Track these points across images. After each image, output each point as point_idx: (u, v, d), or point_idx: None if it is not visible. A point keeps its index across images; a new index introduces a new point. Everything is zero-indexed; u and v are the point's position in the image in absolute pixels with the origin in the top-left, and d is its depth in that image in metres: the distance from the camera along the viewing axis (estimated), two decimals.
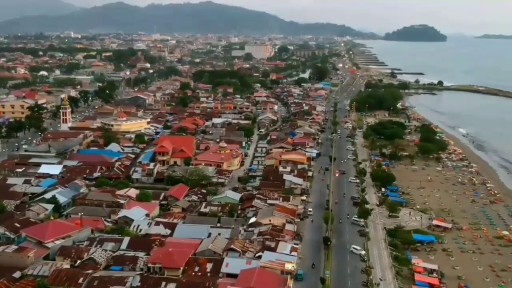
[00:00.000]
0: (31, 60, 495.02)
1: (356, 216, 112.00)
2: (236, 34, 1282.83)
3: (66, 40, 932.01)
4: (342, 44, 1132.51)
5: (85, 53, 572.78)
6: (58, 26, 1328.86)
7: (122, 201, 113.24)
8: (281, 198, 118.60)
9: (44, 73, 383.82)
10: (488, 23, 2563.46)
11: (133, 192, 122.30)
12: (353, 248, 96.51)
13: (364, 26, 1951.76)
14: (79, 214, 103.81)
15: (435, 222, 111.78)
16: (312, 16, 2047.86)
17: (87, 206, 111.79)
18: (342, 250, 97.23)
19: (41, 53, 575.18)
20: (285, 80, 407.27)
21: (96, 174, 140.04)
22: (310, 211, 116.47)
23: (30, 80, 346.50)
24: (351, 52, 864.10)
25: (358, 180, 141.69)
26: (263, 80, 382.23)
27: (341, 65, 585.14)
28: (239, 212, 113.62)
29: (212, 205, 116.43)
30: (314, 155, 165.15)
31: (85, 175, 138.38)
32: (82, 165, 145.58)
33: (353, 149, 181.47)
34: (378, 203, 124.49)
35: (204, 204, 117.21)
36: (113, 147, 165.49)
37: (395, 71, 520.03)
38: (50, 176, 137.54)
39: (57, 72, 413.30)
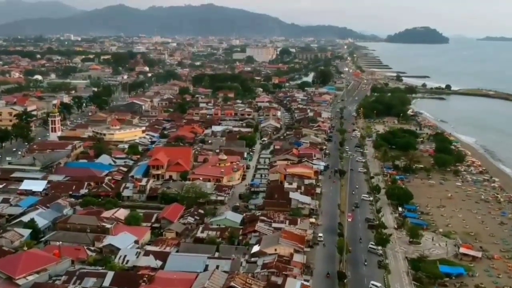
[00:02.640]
0: (28, 64, 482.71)
1: (373, 244, 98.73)
2: (237, 37, 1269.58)
3: (66, 42, 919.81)
4: (345, 47, 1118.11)
5: (83, 56, 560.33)
6: (59, 28, 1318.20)
7: (108, 226, 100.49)
8: (287, 221, 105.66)
9: (39, 77, 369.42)
10: (490, 25, 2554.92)
11: (122, 213, 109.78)
12: (372, 284, 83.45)
13: (365, 28, 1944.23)
14: (58, 243, 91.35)
15: (462, 250, 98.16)
16: (313, 18, 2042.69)
17: (69, 231, 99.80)
18: (360, 286, 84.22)
19: (38, 56, 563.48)
20: (287, 84, 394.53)
21: (83, 191, 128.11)
22: (320, 236, 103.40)
23: (23, 84, 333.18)
24: (354, 55, 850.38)
25: (371, 198, 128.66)
26: (265, 84, 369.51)
27: (346, 68, 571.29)
28: (240, 238, 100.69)
29: (210, 229, 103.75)
30: (322, 168, 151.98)
31: (71, 192, 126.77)
32: (68, 181, 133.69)
33: (363, 160, 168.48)
34: (396, 226, 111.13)
35: (201, 228, 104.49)
36: (104, 159, 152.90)
37: (400, 74, 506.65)
38: (33, 193, 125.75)
39: (53, 76, 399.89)
